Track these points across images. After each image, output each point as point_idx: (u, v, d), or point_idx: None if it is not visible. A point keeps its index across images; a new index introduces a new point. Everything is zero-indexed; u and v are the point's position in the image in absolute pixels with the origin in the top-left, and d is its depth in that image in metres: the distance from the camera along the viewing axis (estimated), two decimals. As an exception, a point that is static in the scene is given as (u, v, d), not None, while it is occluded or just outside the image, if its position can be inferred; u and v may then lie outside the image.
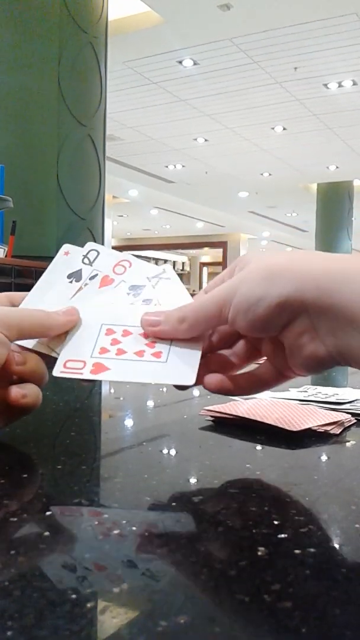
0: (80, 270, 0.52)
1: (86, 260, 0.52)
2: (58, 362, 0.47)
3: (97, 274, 0.51)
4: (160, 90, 8.02)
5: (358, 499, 0.35)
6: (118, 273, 0.51)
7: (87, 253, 0.52)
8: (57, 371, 0.47)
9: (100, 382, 0.85)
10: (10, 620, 0.20)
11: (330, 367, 0.39)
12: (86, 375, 0.46)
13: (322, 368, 0.39)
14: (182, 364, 0.45)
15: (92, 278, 0.51)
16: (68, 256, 0.53)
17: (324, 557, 0.27)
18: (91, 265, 0.52)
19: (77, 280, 0.51)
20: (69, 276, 0.51)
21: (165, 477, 0.40)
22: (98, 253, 0.52)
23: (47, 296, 0.51)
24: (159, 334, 0.45)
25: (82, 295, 0.50)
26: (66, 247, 0.54)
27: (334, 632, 0.21)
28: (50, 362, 0.46)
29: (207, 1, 5.66)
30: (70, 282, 0.51)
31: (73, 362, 0.47)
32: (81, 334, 0.48)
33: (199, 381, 0.44)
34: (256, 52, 6.74)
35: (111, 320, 0.48)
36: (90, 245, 0.53)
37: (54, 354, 0.47)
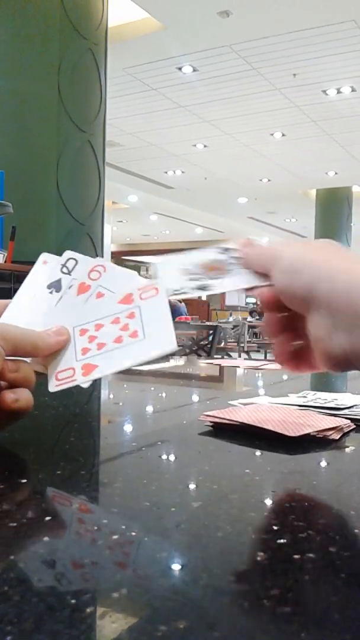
0: (60, 280, 0.52)
1: (65, 270, 0.52)
2: (49, 377, 0.48)
3: (74, 283, 0.51)
4: (160, 96, 8.04)
5: (357, 504, 0.35)
6: (93, 279, 0.51)
7: (66, 262, 0.52)
8: (52, 386, 0.47)
9: (99, 385, 0.85)
10: (10, 625, 0.20)
11: (347, 369, 0.39)
12: (80, 380, 0.47)
13: (338, 367, 0.39)
14: (160, 334, 0.46)
15: (71, 287, 0.51)
16: (46, 265, 0.53)
17: (323, 562, 0.27)
18: (70, 275, 0.52)
19: (57, 291, 0.51)
20: (49, 286, 0.51)
21: (165, 483, 0.40)
22: (76, 262, 0.52)
23: (28, 307, 0.51)
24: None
25: (62, 305, 0.50)
26: (44, 256, 0.54)
27: (333, 637, 0.21)
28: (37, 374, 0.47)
29: (207, 8, 5.68)
30: (51, 292, 0.51)
31: (63, 372, 0.48)
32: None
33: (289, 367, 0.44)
34: (255, 59, 6.77)
35: (79, 321, 0.49)
36: (68, 254, 0.53)
37: (39, 369, 0.48)
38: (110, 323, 0.48)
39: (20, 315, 0.50)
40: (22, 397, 0.44)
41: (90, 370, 0.47)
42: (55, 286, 0.51)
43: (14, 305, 0.51)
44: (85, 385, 0.47)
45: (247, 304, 16.52)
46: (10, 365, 0.44)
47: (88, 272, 0.51)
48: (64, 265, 0.52)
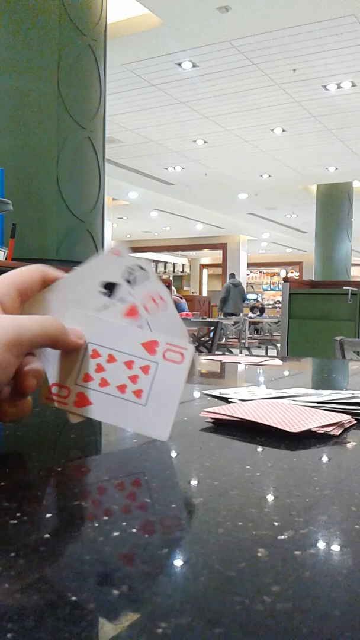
0: (118, 285, 0.47)
1: (129, 277, 0.47)
2: (42, 387, 0.46)
3: (129, 301, 0.46)
4: (160, 92, 8.03)
5: (358, 500, 0.35)
6: (148, 309, 0.46)
7: (134, 270, 0.47)
8: (43, 397, 0.46)
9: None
10: (11, 622, 0.20)
11: None
12: (70, 407, 0.46)
13: None
14: (159, 415, 0.44)
15: (122, 303, 0.46)
16: (116, 258, 0.47)
17: (324, 558, 0.27)
18: (131, 287, 0.46)
19: (108, 296, 0.46)
20: (104, 286, 0.47)
21: (166, 479, 0.40)
22: (147, 276, 0.46)
23: (71, 294, 0.47)
24: None
25: (99, 315, 0.46)
26: (119, 246, 0.47)
27: (334, 633, 0.21)
28: None
29: (206, 3, 5.67)
30: (101, 293, 0.47)
31: (58, 387, 0.46)
32: (69, 352, 0.46)
33: None
34: (255, 54, 6.76)
35: (98, 340, 0.46)
36: (142, 261, 0.47)
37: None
38: (123, 363, 0.45)
39: (61, 298, 0.47)
40: (21, 409, 0.44)
41: (83, 403, 0.46)
42: (109, 289, 0.47)
43: (60, 285, 0.47)
44: (73, 420, 0.46)
45: (248, 300, 16.51)
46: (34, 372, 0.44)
47: (149, 297, 0.46)
48: (131, 271, 0.47)
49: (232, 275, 15.12)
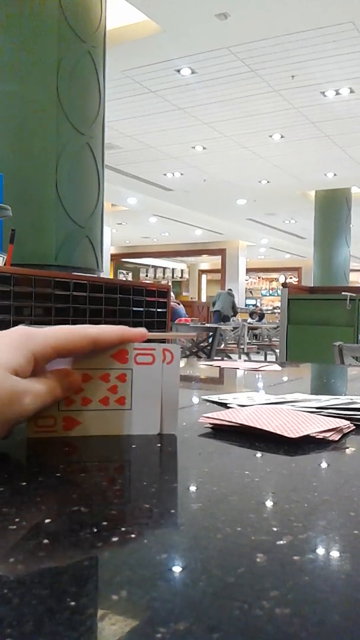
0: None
1: None
2: (29, 421, 0.47)
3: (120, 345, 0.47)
4: (159, 98, 8.05)
5: (357, 505, 0.35)
6: (138, 362, 0.47)
7: None
8: (32, 432, 0.47)
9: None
10: (10, 627, 0.20)
11: None
12: (60, 432, 0.46)
13: None
14: (147, 414, 0.45)
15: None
16: None
17: (322, 563, 0.27)
18: None
19: None
20: None
21: (164, 484, 0.40)
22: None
23: None
24: None
25: None
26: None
27: (333, 638, 0.21)
28: None
29: (205, 10, 5.70)
30: None
31: (43, 419, 0.47)
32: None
33: None
34: (254, 61, 6.78)
35: (69, 363, 0.47)
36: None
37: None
38: (99, 378, 0.46)
39: None
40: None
41: (72, 426, 0.46)
42: None
43: None
44: (31, 435, 0.47)
45: (247, 305, 16.59)
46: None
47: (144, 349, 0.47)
48: None
49: (230, 290, 15.57)
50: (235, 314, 14.49)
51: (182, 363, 1.57)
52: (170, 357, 0.46)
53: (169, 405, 0.47)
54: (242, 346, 9.92)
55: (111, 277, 20.54)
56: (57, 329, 0.45)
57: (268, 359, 9.84)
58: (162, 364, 0.46)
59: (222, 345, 9.18)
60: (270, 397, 0.72)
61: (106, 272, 14.45)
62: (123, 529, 0.30)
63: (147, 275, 26.87)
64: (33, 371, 0.43)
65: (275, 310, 20.49)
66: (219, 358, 3.56)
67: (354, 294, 5.09)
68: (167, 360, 0.46)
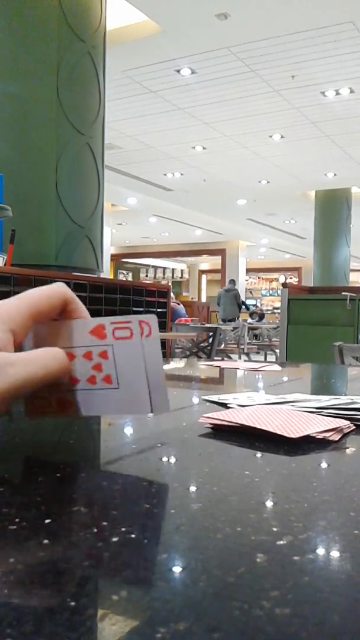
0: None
1: None
2: (25, 402, 0.46)
3: (97, 320, 0.45)
4: (159, 98, 8.06)
5: (357, 505, 0.35)
6: (116, 336, 0.44)
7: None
8: (28, 412, 0.46)
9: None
10: (10, 628, 0.20)
11: None
12: (55, 413, 0.46)
13: None
14: (136, 393, 0.43)
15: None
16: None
17: (323, 563, 0.27)
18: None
19: None
20: None
21: (164, 485, 0.40)
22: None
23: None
24: None
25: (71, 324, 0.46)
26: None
27: (333, 638, 0.21)
28: None
29: (205, 10, 5.70)
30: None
31: (39, 400, 0.46)
32: None
33: None
34: (254, 61, 6.78)
35: (52, 343, 0.45)
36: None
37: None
38: (82, 357, 0.44)
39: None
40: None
41: (65, 407, 0.45)
42: None
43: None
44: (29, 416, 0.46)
45: (247, 306, 16.56)
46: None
47: (117, 322, 0.45)
48: None
49: (231, 282, 15.23)
50: (240, 307, 14.22)
51: (182, 363, 1.57)
52: (148, 330, 0.43)
53: (156, 382, 0.44)
54: (242, 346, 9.92)
55: (111, 277, 20.55)
56: (23, 296, 0.44)
57: (268, 359, 9.84)
58: (142, 338, 0.43)
59: (222, 346, 9.18)
60: (270, 397, 0.72)
61: (106, 272, 14.45)
62: (123, 529, 0.30)
63: (147, 276, 26.87)
64: (16, 344, 0.42)
65: (276, 311, 20.50)
66: (219, 358, 3.56)
67: (354, 294, 5.09)
68: (146, 334, 0.43)
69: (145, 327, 0.43)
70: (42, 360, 0.41)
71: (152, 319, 0.43)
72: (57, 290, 0.45)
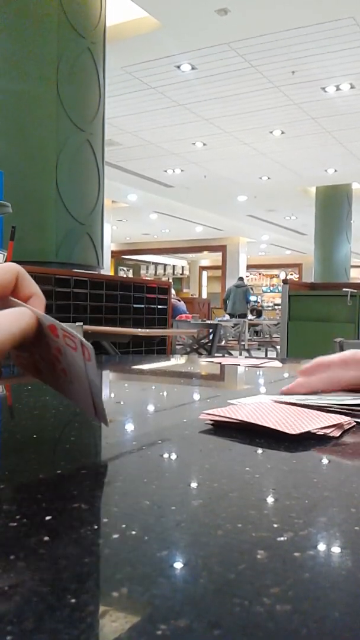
0: None
1: None
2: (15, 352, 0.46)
3: (51, 319, 0.44)
4: (159, 95, 8.04)
5: (358, 501, 0.35)
6: (66, 343, 0.43)
7: None
8: (14, 357, 0.46)
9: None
10: (10, 625, 0.20)
11: None
12: (33, 372, 0.46)
13: None
14: (83, 395, 0.43)
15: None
16: None
17: (323, 560, 0.27)
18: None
19: None
20: None
21: (165, 481, 0.40)
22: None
23: None
24: None
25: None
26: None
27: (334, 635, 0.21)
28: None
29: (205, 6, 5.68)
30: None
31: (21, 349, 0.46)
32: None
33: None
34: (254, 56, 6.77)
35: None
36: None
37: None
38: (46, 338, 0.43)
39: None
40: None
41: (38, 374, 0.46)
42: None
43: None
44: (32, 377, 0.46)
45: (249, 301, 16.53)
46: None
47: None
48: None
49: (240, 279, 15.27)
50: (248, 302, 14.18)
51: (183, 360, 1.57)
52: (88, 355, 0.42)
53: (98, 397, 0.44)
54: (242, 343, 9.93)
55: (112, 274, 20.53)
56: None
57: (269, 356, 9.84)
58: (83, 357, 0.42)
59: (223, 342, 9.19)
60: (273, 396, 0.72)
61: (107, 269, 14.44)
62: (123, 525, 0.30)
63: (147, 272, 26.87)
64: None
65: (276, 307, 20.48)
66: (220, 355, 3.56)
67: (354, 290, 5.09)
68: (86, 357, 0.42)
69: (85, 351, 0.42)
70: (12, 315, 0.41)
71: (91, 349, 0.42)
72: (9, 265, 0.45)
